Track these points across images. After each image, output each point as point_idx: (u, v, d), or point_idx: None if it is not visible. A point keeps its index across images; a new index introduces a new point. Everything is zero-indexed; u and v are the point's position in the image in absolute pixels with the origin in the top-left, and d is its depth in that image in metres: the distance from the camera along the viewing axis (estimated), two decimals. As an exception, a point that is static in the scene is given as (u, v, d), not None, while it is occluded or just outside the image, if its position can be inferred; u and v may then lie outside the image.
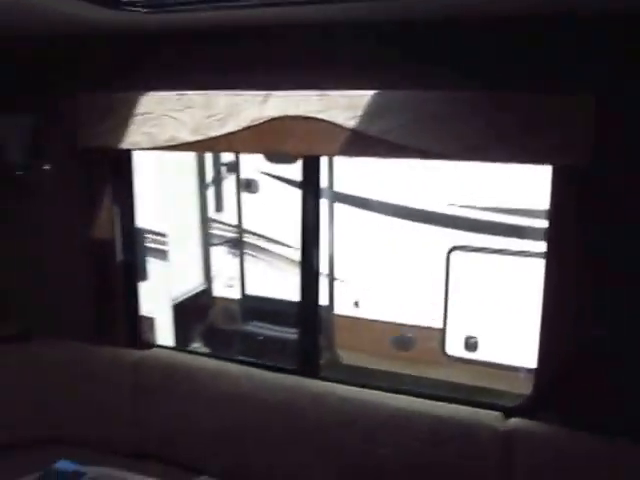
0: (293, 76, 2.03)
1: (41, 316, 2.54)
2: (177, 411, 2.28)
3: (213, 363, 2.41)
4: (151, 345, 2.57)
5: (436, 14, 1.79)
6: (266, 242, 6.20)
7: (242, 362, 2.43)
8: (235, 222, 6.15)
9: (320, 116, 2.00)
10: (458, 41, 1.88)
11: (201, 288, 6.10)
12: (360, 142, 1.98)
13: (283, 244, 6.23)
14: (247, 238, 6.14)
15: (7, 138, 2.40)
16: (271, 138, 2.10)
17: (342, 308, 5.87)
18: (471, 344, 5.34)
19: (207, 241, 6.15)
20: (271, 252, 6.09)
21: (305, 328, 2.36)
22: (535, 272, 2.20)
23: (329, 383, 2.22)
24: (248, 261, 6.09)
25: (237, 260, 6.11)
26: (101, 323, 2.50)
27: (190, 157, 5.81)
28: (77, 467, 1.84)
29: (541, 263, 1.99)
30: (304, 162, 2.28)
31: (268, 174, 5.85)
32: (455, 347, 5.33)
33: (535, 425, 1.93)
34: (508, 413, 2.00)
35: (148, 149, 2.30)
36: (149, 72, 2.24)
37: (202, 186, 6.12)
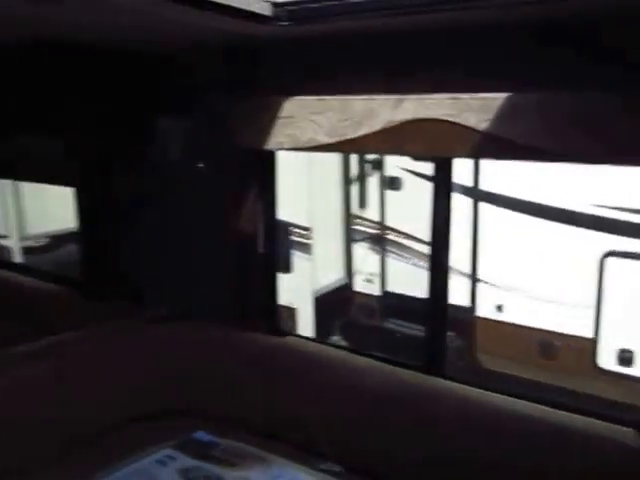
0: (426, 80, 2.06)
1: (189, 301, 2.82)
2: (305, 397, 2.42)
3: (342, 354, 2.53)
4: (286, 333, 2.74)
5: (574, 12, 1.73)
6: (407, 240, 6.21)
7: (368, 355, 2.52)
8: (378, 219, 6.26)
9: (452, 119, 2.01)
10: (597, 41, 1.79)
11: (342, 283, 6.31)
12: (493, 145, 1.96)
13: (424, 242, 6.21)
14: (389, 235, 6.22)
15: (169, 138, 2.70)
16: (403, 140, 2.14)
17: (484, 311, 5.74)
18: (626, 358, 4.97)
19: (349, 237, 6.33)
20: (412, 250, 6.08)
21: (432, 325, 2.39)
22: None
23: (454, 383, 2.24)
24: (389, 258, 6.18)
25: (378, 257, 6.23)
26: (242, 310, 2.72)
27: (335, 155, 6.00)
28: (212, 438, 2.05)
29: None
30: (435, 163, 2.30)
31: (412, 172, 5.85)
32: (607, 360, 4.99)
33: None
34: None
35: (290, 149, 2.46)
36: (292, 77, 2.39)
37: (346, 183, 6.30)
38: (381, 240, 6.25)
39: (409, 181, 5.96)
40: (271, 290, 2.78)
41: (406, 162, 5.83)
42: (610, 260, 4.75)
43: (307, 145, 2.38)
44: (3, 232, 6.85)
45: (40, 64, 2.59)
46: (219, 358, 2.64)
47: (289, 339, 2.65)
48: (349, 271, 6.36)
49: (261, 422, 2.47)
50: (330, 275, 6.27)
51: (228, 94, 2.52)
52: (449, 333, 5.60)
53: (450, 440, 2.10)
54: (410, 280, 5.60)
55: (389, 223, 6.20)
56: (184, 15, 1.83)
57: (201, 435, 2.05)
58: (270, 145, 2.46)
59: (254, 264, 2.70)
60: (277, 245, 2.82)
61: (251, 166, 2.66)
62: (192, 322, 2.76)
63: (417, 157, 4.71)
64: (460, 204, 5.16)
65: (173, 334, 2.74)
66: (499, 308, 5.63)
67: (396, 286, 6.07)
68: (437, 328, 2.38)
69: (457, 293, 5.64)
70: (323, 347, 2.67)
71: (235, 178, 2.70)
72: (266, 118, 2.42)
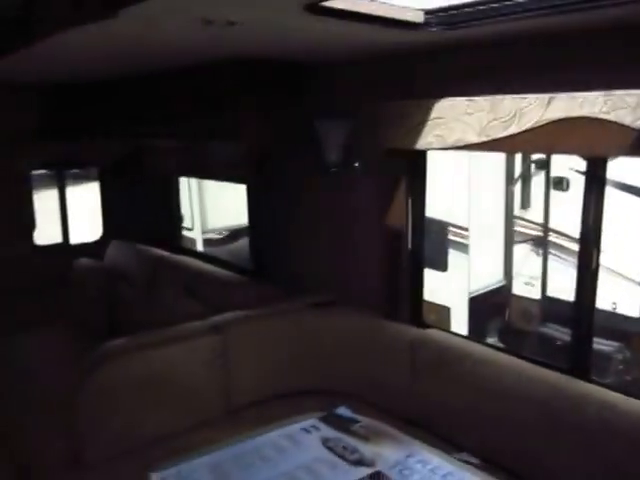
0: (576, 78, 2.03)
1: (343, 289, 3.04)
2: (445, 389, 2.49)
3: (484, 350, 2.55)
4: (430, 326, 2.83)
5: None
6: (571, 242, 5.91)
7: (511, 353, 2.53)
8: (541, 220, 6.02)
9: (606, 117, 1.96)
10: None
11: (500, 284, 6.17)
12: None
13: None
14: (552, 237, 5.96)
15: (328, 139, 2.93)
16: (553, 139, 2.13)
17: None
18: None
19: (510, 238, 6.17)
20: (575, 252, 5.77)
21: (577, 327, 2.34)
22: None
23: (600, 388, 2.17)
24: (551, 261, 5.92)
25: (539, 259, 6.00)
26: (390, 301, 2.87)
27: (500, 155, 5.88)
28: (353, 415, 2.22)
29: None
30: (588, 160, 2.24)
31: (580, 171, 5.55)
32: None
33: None
34: None
35: (438, 149, 2.55)
36: (442, 80, 2.48)
37: (509, 183, 6.15)
38: (544, 242, 6.01)
39: (577, 182, 5.65)
40: (418, 285, 2.89)
41: (576, 162, 5.55)
42: None
43: (455, 145, 2.45)
44: (189, 225, 7.76)
45: (221, 79, 2.98)
46: (367, 343, 2.81)
47: (432, 331, 2.74)
48: (508, 273, 6.20)
49: (400, 407, 2.59)
50: (488, 276, 6.17)
51: (382, 98, 2.68)
52: (616, 343, 5.24)
53: (591, 446, 2.05)
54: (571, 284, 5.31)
55: (553, 225, 5.94)
56: (345, 28, 2.02)
57: (343, 411, 2.23)
58: (420, 145, 2.56)
59: (403, 259, 2.83)
60: (425, 242, 2.91)
61: (402, 166, 2.80)
62: (344, 309, 2.97)
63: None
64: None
65: (327, 318, 2.96)
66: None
67: (558, 291, 5.80)
68: (583, 330, 2.31)
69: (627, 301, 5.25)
70: (465, 341, 2.70)
71: (387, 177, 2.85)
72: (416, 119, 2.53)
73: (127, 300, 4.01)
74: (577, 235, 5.81)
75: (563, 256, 5.86)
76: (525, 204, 6.17)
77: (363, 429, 2.11)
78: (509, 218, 6.13)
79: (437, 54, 2.43)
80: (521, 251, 6.19)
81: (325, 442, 2.03)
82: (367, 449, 1.97)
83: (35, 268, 4.15)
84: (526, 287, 6.05)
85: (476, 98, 2.33)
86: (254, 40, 2.30)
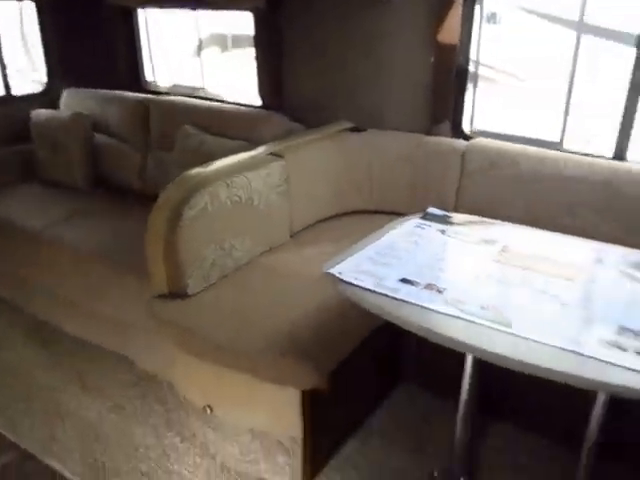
0: None
1: (378, 113, 3.10)
2: (497, 194, 2.74)
3: (535, 150, 2.75)
4: (475, 136, 3.00)
5: None
6: (496, 73, 6.22)
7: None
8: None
9: None
10: None
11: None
12: None
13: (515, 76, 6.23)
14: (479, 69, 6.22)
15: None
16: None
17: None
18: None
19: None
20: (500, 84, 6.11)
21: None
22: None
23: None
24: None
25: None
26: (434, 119, 3.01)
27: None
28: (445, 213, 2.41)
29: None
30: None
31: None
32: None
33: None
34: None
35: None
36: None
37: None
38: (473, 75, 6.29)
39: (511, 16, 5.91)
40: (460, 101, 3.04)
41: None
42: None
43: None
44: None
45: None
46: (416, 160, 2.97)
47: (479, 140, 2.90)
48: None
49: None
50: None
51: None
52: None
53: None
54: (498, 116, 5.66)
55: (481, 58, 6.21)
56: None
57: (434, 210, 2.42)
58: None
59: (449, 76, 2.92)
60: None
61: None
62: (384, 132, 3.09)
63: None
64: None
65: (372, 140, 3.07)
66: None
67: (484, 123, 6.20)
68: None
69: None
70: (514, 145, 2.82)
71: None
72: None
73: (112, 154, 3.77)
74: (501, 67, 6.14)
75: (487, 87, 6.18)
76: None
77: (463, 220, 2.33)
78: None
79: None
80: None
81: (442, 233, 2.21)
82: (478, 235, 2.18)
83: None
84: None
85: None
86: None
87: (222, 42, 8.40)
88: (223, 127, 3.26)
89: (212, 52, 8.15)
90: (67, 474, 2.36)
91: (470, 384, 2.01)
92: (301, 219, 2.89)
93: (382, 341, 2.45)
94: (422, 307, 1.62)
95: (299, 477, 2.25)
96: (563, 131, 6.01)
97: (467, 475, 2.27)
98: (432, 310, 1.61)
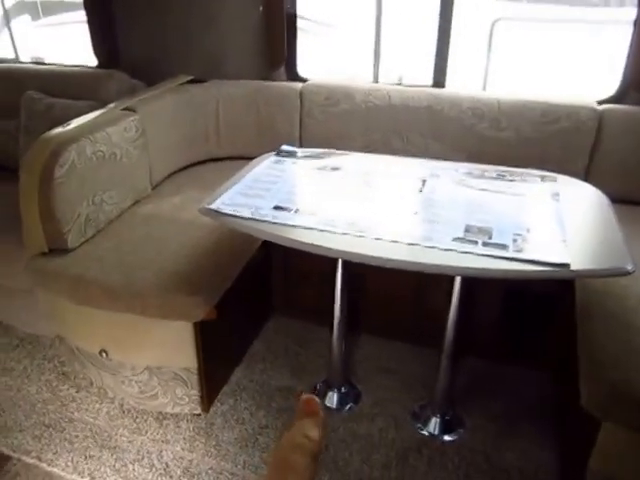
0: None
1: (216, 63, 3.23)
2: (337, 125, 3.08)
3: (364, 84, 3.09)
4: (306, 79, 3.26)
5: None
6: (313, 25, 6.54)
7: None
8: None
9: None
10: None
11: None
12: None
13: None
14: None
15: None
16: None
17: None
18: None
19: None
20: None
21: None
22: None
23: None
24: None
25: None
26: (271, 65, 3.21)
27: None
28: (295, 149, 2.66)
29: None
30: None
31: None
32: None
33: (623, 108, 2.67)
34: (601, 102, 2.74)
35: None
36: None
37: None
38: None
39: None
40: (291, 40, 3.24)
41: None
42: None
43: None
44: None
45: None
46: (258, 104, 3.19)
47: (311, 81, 3.19)
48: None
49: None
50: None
51: None
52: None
53: None
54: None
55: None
56: None
57: (287, 147, 2.66)
58: None
59: (280, 22, 3.12)
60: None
61: None
62: (223, 82, 3.25)
63: None
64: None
65: (214, 89, 3.22)
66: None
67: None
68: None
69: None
70: (351, 81, 3.16)
71: None
72: None
73: None
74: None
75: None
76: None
77: (318, 152, 2.62)
78: None
79: None
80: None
81: (297, 165, 2.47)
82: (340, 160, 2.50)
83: None
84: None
85: None
86: None
87: (33, 10, 7.75)
88: (66, 89, 3.22)
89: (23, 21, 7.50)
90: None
91: (341, 298, 2.35)
92: (159, 171, 3.00)
93: (255, 276, 2.74)
94: (304, 227, 1.83)
95: (197, 405, 2.46)
96: (376, 68, 6.47)
97: (346, 383, 2.64)
98: (311, 228, 1.82)
